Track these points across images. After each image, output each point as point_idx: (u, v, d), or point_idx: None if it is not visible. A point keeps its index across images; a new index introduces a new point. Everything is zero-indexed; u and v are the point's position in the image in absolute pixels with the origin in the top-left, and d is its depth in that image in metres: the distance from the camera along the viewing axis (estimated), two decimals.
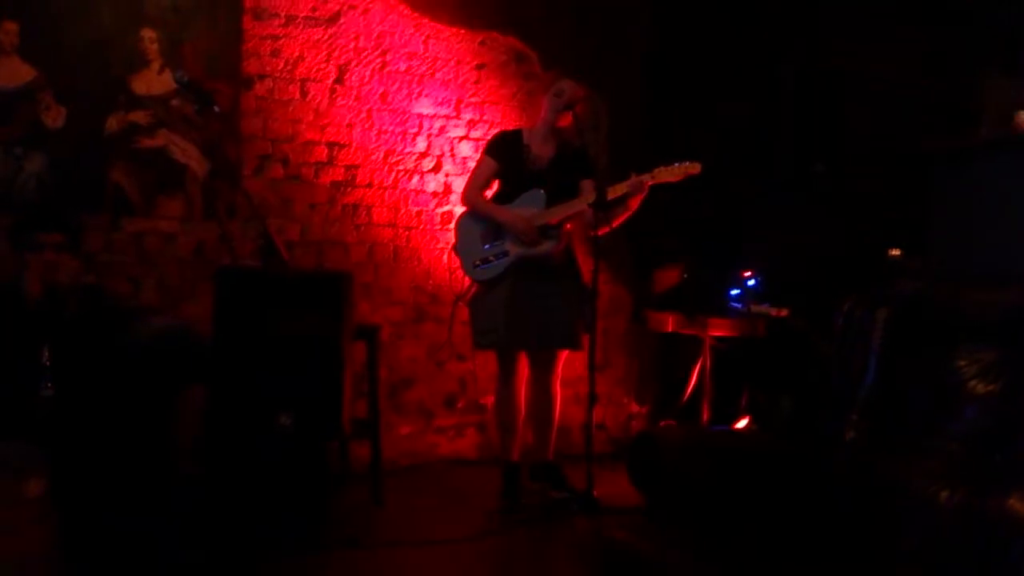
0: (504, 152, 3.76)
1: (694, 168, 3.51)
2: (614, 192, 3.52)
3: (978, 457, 1.90)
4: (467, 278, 3.74)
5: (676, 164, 3.54)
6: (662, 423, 4.60)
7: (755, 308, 4.12)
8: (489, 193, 3.82)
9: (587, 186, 3.64)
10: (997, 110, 3.09)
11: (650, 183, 3.52)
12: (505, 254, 3.65)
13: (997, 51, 3.88)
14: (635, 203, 3.58)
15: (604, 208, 3.42)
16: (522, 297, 3.62)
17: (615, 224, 3.61)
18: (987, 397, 1.97)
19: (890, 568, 1.81)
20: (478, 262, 3.69)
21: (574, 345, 3.69)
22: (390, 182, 4.35)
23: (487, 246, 3.68)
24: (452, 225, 3.96)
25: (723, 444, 2.17)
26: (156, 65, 3.81)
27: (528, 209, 3.64)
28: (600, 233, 3.43)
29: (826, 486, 2.09)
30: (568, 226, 3.69)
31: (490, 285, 3.67)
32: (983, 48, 3.94)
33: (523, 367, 3.78)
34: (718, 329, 4.22)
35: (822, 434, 2.21)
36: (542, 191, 3.65)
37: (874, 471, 2.04)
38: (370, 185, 4.29)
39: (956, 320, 2.12)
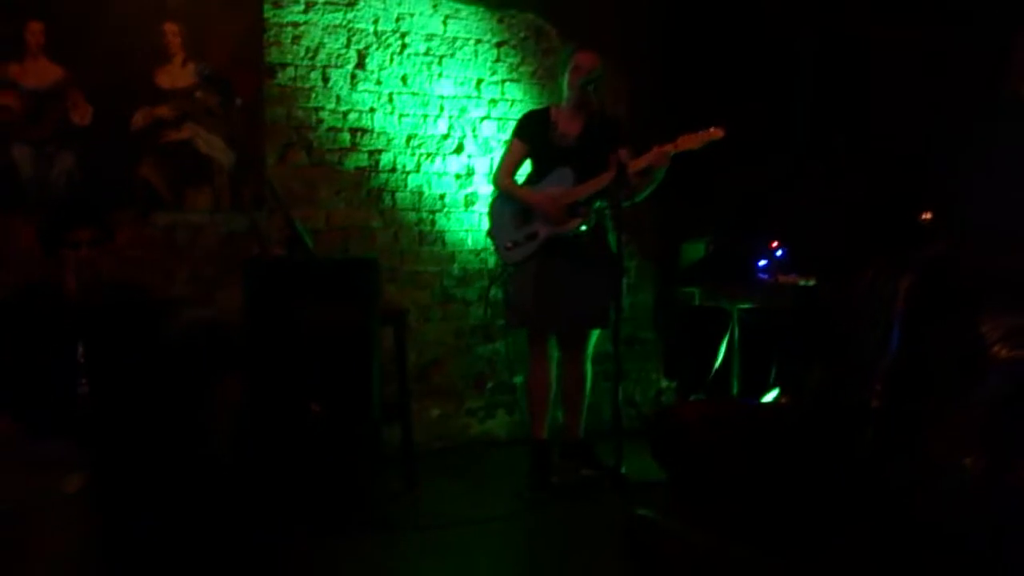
0: (532, 132, 3.76)
1: (717, 133, 3.48)
2: (635, 165, 3.50)
3: (1002, 423, 1.88)
4: (501, 260, 3.80)
5: (699, 131, 3.50)
6: (692, 397, 4.60)
7: (782, 278, 4.09)
8: (522, 173, 3.84)
9: (622, 155, 3.58)
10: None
11: (673, 152, 3.50)
12: (535, 235, 3.66)
13: None
14: (659, 174, 3.56)
15: (625, 183, 3.40)
16: (552, 277, 3.63)
17: (640, 196, 3.61)
18: (1011, 362, 1.95)
19: (912, 538, 1.81)
20: (509, 244, 3.72)
21: (604, 324, 3.70)
22: (413, 166, 4.37)
23: (517, 228, 3.70)
24: (486, 209, 4.01)
25: (743, 418, 2.18)
26: (179, 58, 3.86)
27: (557, 188, 3.64)
28: (623, 206, 3.40)
29: (850, 457, 2.09)
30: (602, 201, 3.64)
31: (522, 266, 3.70)
32: (1012, 5, 3.85)
33: (553, 346, 3.80)
34: (745, 301, 4.20)
35: (846, 404, 2.20)
36: (569, 169, 3.65)
37: (898, 440, 2.04)
38: (393, 169, 4.32)
39: (980, 284, 2.10)
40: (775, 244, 4.22)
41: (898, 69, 3.90)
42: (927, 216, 3.65)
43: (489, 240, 3.92)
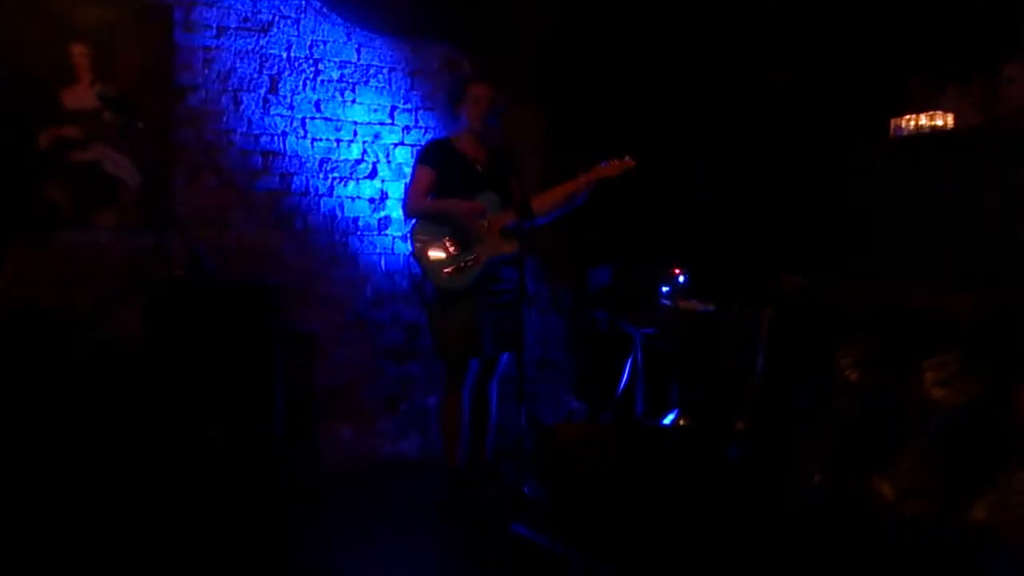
0: (439, 160, 3.79)
1: (630, 163, 3.68)
2: (551, 195, 3.65)
3: (848, 443, 2.03)
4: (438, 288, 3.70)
5: (615, 161, 3.65)
6: (600, 418, 4.72)
7: (683, 304, 4.24)
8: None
9: (514, 185, 3.70)
10: (918, 109, 3.25)
11: (594, 179, 3.63)
12: (477, 260, 3.68)
13: (920, 53, 4.03)
14: (576, 199, 3.69)
15: (531, 217, 3.47)
16: (483, 306, 3.69)
17: (549, 219, 3.79)
18: (859, 387, 2.10)
19: (773, 548, 1.93)
20: (449, 270, 3.67)
21: (516, 349, 3.71)
22: (326, 189, 4.42)
23: (456, 254, 3.67)
24: (409, 238, 3.82)
25: (618, 438, 2.29)
26: (87, 79, 3.85)
27: (489, 212, 3.72)
28: (528, 232, 3.47)
29: (717, 474, 2.22)
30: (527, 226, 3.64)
31: (453, 294, 3.67)
32: (905, 50, 4.09)
33: (471, 376, 3.84)
34: (648, 325, 4.34)
35: (716, 426, 2.33)
36: (494, 193, 3.73)
37: (759, 459, 2.17)
38: (306, 193, 4.37)
39: (835, 314, 2.25)
40: (677, 271, 4.38)
41: (790, 110, 4.11)
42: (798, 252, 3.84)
43: (410, 263, 3.82)
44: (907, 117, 2.86)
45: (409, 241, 3.80)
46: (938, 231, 2.61)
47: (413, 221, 3.82)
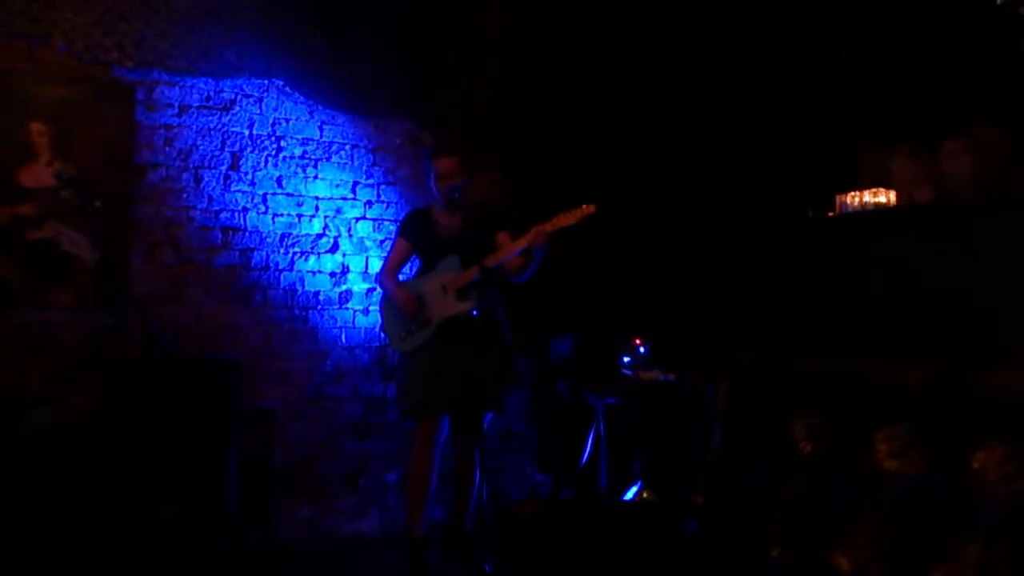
0: (414, 229, 3.91)
1: (590, 209, 3.60)
2: (515, 246, 3.65)
3: (805, 516, 2.04)
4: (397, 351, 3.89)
5: (574, 209, 3.64)
6: (564, 490, 4.68)
7: (645, 374, 4.27)
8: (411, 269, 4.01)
9: (503, 238, 3.80)
10: (870, 177, 3.36)
11: (551, 230, 3.64)
12: (428, 321, 3.75)
13: (873, 120, 4.17)
14: (540, 253, 3.69)
15: (489, 272, 3.54)
16: (446, 361, 3.69)
17: (525, 276, 3.77)
18: (814, 458, 2.12)
19: None
20: (404, 334, 3.80)
21: (498, 407, 3.75)
22: (286, 264, 4.42)
23: (412, 318, 3.77)
24: (377, 307, 4.07)
25: (581, 515, 2.28)
26: (45, 157, 3.85)
27: (446, 274, 3.78)
28: (503, 292, 3.53)
29: (677, 550, 2.21)
30: (491, 285, 3.61)
31: (415, 353, 3.77)
32: (859, 117, 4.24)
33: (441, 436, 3.79)
34: (610, 396, 4.35)
35: (675, 499, 2.33)
36: (456, 256, 3.79)
37: (718, 534, 2.17)
38: (266, 267, 4.36)
39: (790, 386, 2.28)
40: (638, 341, 4.42)
41: (746, 183, 4.21)
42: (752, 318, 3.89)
43: (369, 336, 4.08)
44: (852, 194, 2.96)
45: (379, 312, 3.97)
46: (887, 303, 2.67)
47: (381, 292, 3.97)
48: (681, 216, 4.46)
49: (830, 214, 2.95)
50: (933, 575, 1.73)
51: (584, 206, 3.61)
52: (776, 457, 2.18)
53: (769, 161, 4.09)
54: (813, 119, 3.89)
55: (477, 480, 3.78)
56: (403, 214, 4.16)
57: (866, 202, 2.85)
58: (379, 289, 3.95)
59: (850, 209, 2.87)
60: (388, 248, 4.04)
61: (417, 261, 3.97)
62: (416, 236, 3.89)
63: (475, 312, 3.73)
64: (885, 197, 2.88)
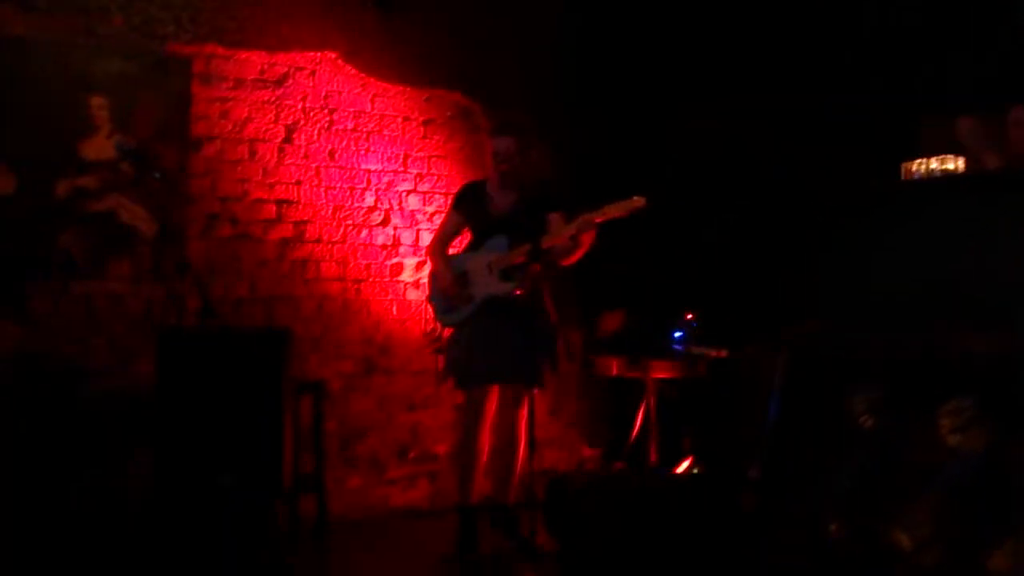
0: (467, 203, 3.90)
1: (640, 202, 3.53)
2: (564, 235, 3.62)
3: (863, 491, 2.00)
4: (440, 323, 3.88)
5: (624, 200, 3.59)
6: (615, 465, 4.67)
7: (695, 350, 4.23)
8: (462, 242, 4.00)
9: (555, 219, 3.75)
10: (933, 150, 3.25)
11: (599, 220, 3.61)
12: (471, 298, 3.77)
13: (935, 88, 4.05)
14: (587, 240, 3.66)
15: (538, 256, 3.52)
16: (488, 335, 3.71)
17: (570, 261, 3.73)
18: (873, 434, 2.08)
19: None
20: (446, 309, 3.83)
21: (538, 383, 3.71)
22: (339, 236, 4.46)
23: (454, 294, 3.80)
24: (425, 278, 4.11)
25: (632, 488, 2.26)
26: (105, 130, 3.92)
27: (493, 253, 3.76)
28: (548, 273, 3.56)
29: (731, 524, 2.18)
30: (536, 267, 3.64)
31: (460, 327, 3.81)
32: (922, 87, 4.11)
33: (490, 409, 3.80)
34: (660, 371, 4.32)
35: (729, 473, 2.30)
36: (504, 236, 3.77)
37: (772, 507, 2.14)
38: (319, 240, 4.40)
39: (849, 360, 2.23)
40: (689, 316, 4.37)
41: (805, 150, 4.12)
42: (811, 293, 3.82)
43: (424, 308, 4.01)
44: (919, 161, 2.87)
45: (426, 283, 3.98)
46: (952, 274, 2.59)
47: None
48: (736, 185, 4.38)
49: (894, 182, 2.86)
50: (998, 552, 1.68)
51: (635, 198, 3.52)
52: (834, 431, 2.14)
53: (828, 129, 3.99)
54: (873, 86, 3.78)
55: (521, 454, 3.79)
56: (456, 187, 4.16)
57: (933, 169, 2.76)
58: (429, 258, 3.95)
59: (917, 177, 2.78)
60: (442, 219, 4.05)
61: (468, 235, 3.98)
62: (469, 210, 3.89)
63: (517, 292, 3.70)
64: (953, 164, 2.78)
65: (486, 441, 3.80)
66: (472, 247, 3.90)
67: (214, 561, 3.14)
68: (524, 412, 3.72)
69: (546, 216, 3.79)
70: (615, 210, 3.61)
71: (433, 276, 3.94)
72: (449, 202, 4.07)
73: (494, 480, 3.87)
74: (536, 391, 3.67)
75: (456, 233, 3.96)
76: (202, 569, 3.14)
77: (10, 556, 2.73)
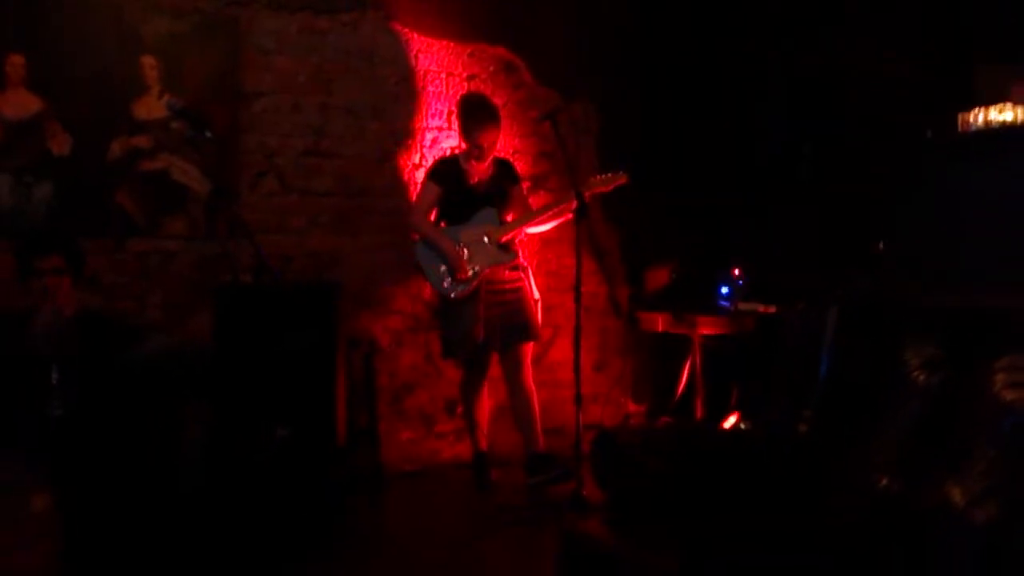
0: (446, 176, 4.02)
1: (621, 179, 3.92)
2: (544, 213, 3.97)
3: (917, 447, 1.99)
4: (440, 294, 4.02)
5: (607, 175, 3.94)
6: (660, 420, 4.69)
7: (743, 306, 4.20)
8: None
9: (516, 191, 4.09)
10: (988, 98, 3.17)
11: (587, 194, 3.81)
12: (476, 272, 3.91)
13: (989, 38, 3.92)
14: (567, 211, 3.89)
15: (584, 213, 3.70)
16: (489, 305, 3.92)
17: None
18: (928, 388, 2.06)
19: (827, 553, 1.91)
20: (448, 281, 3.95)
21: (535, 337, 4.05)
22: (384, 193, 4.48)
23: (456, 267, 3.92)
24: (416, 244, 4.10)
25: (679, 440, 2.28)
26: (156, 90, 3.98)
27: (486, 226, 3.97)
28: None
29: (780, 479, 2.19)
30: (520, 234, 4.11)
31: (459, 302, 3.94)
32: (975, 36, 3.99)
33: (485, 370, 4.09)
34: (707, 327, 4.31)
35: (776, 428, 2.31)
36: (493, 209, 3.99)
37: (823, 463, 2.14)
38: (364, 194, 4.43)
39: (901, 316, 2.21)
40: (737, 271, 4.34)
41: (863, 100, 4.03)
42: (880, 247, 3.78)
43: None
44: (975, 111, 2.79)
45: (415, 249, 4.07)
46: (1009, 228, 2.54)
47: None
48: (788, 138, 4.30)
49: (951, 134, 2.79)
50: None
51: (621, 173, 3.89)
52: (887, 387, 2.13)
53: (881, 80, 3.89)
54: (926, 37, 3.68)
55: (536, 406, 4.03)
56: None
57: (991, 120, 2.68)
58: (419, 232, 4.01)
59: (974, 128, 2.71)
60: (420, 190, 4.11)
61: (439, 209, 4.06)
62: (448, 183, 4.00)
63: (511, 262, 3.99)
64: (1012, 114, 2.70)
65: (487, 394, 4.14)
66: (456, 219, 4.00)
67: (271, 513, 3.23)
68: (528, 364, 4.07)
69: (509, 189, 4.06)
70: (600, 186, 3.94)
71: (426, 246, 3.99)
72: (425, 173, 4.15)
73: (524, 434, 4.06)
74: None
75: (435, 204, 4.05)
76: (259, 521, 3.23)
77: (77, 506, 2.83)
